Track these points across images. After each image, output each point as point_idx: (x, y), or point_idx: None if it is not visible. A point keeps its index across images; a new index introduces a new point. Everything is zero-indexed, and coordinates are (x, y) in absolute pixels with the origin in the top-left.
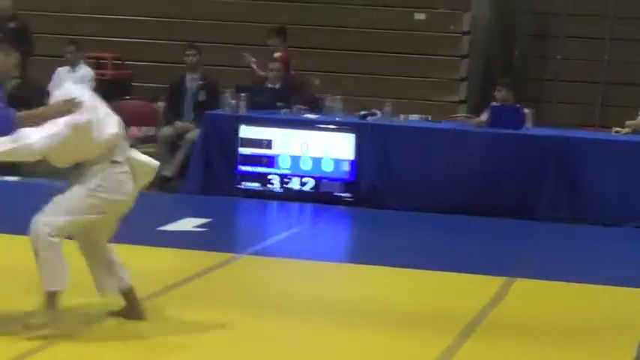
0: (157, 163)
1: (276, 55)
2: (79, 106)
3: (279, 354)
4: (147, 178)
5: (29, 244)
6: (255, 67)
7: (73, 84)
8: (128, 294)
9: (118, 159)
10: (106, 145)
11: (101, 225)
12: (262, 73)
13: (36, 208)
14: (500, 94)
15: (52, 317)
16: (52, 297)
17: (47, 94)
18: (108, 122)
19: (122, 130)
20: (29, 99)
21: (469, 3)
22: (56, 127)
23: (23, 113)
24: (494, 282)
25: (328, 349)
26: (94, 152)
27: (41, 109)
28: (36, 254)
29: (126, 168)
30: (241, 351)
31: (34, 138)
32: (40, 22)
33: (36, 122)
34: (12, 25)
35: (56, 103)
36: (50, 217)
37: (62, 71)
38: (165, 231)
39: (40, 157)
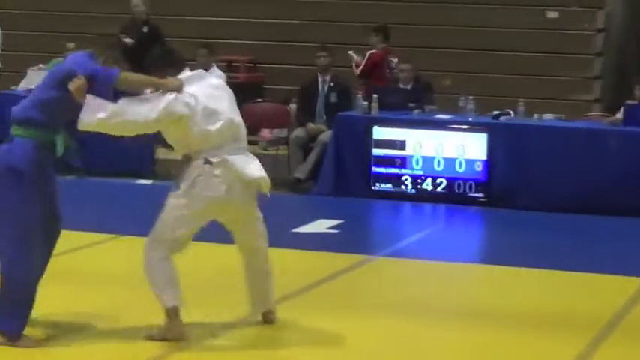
0: (259, 175)
1: (370, 52)
2: (180, 87)
3: (412, 356)
4: (251, 189)
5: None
6: (354, 65)
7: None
8: (268, 315)
9: (213, 160)
10: (202, 140)
11: (234, 229)
12: (358, 72)
13: None
14: None
15: (173, 330)
16: (172, 311)
17: None
18: (211, 119)
19: (228, 133)
20: None
21: (603, 0)
22: (150, 106)
23: (123, 75)
24: (631, 283)
25: (461, 351)
26: (192, 144)
27: (143, 77)
28: (146, 274)
29: (219, 171)
30: (371, 354)
31: (126, 116)
32: (173, 25)
33: (135, 88)
34: (144, 29)
35: (162, 80)
36: (156, 238)
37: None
38: (298, 233)
39: (137, 132)
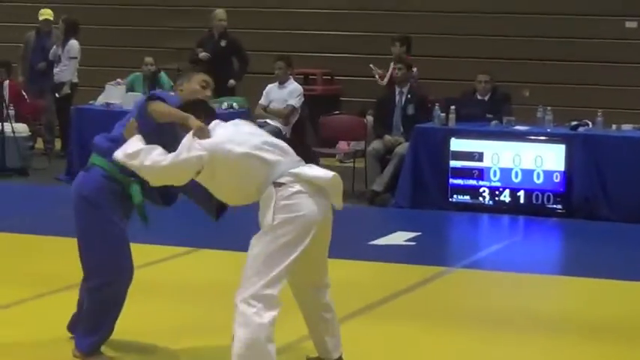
0: (331, 175)
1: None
2: (203, 130)
3: None
4: (334, 191)
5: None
6: (377, 77)
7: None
8: None
9: (282, 180)
10: (258, 169)
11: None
12: (382, 83)
13: None
14: None
15: None
16: None
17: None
18: (252, 147)
19: (276, 152)
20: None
21: None
22: (172, 156)
23: (152, 104)
24: None
25: None
26: (246, 185)
27: (172, 110)
28: (233, 338)
29: (297, 187)
30: None
31: (146, 162)
32: (250, 38)
33: (162, 119)
34: (222, 43)
35: (189, 118)
36: (243, 291)
37: (271, 88)
38: (376, 245)
39: (158, 184)
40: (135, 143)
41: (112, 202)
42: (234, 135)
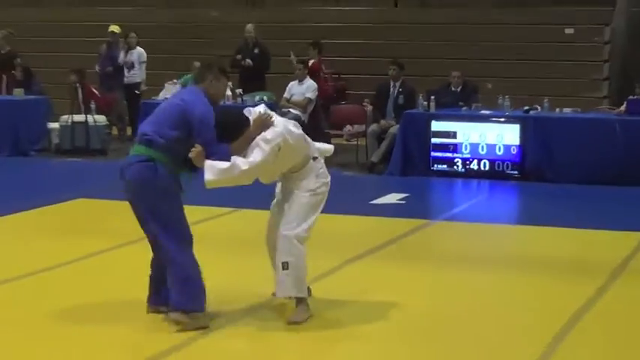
0: (332, 147)
1: (311, 62)
2: (270, 120)
3: (459, 293)
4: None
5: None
6: (294, 62)
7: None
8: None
9: (316, 155)
10: (304, 148)
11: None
12: (297, 67)
13: None
14: None
15: (306, 313)
16: (304, 300)
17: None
18: (297, 131)
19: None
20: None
21: (609, 18)
22: (258, 152)
23: (231, 145)
24: (633, 237)
25: (495, 289)
26: (297, 159)
27: (243, 137)
28: (285, 266)
29: (323, 160)
30: (428, 291)
31: (243, 166)
32: (276, 47)
33: (242, 149)
34: (255, 50)
35: (252, 123)
36: (297, 231)
37: (292, 84)
38: (374, 204)
39: (251, 181)
40: (215, 165)
41: (177, 185)
42: (285, 121)
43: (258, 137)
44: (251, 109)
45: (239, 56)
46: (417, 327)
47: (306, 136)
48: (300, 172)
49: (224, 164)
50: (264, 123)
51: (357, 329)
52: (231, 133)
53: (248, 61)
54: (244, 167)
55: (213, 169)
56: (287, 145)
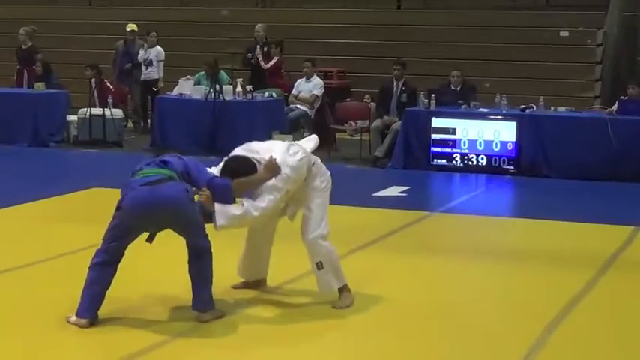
0: (315, 137)
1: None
2: (279, 171)
3: (462, 288)
4: None
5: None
6: (260, 58)
7: (281, 150)
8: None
9: (312, 160)
10: (305, 173)
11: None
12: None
13: None
14: (634, 90)
15: (349, 299)
16: (347, 286)
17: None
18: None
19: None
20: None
21: (601, 22)
22: (269, 199)
23: (234, 183)
24: (623, 230)
25: (493, 279)
26: (300, 184)
27: (249, 179)
28: (319, 266)
29: (316, 158)
30: (429, 287)
31: (255, 213)
32: (287, 46)
33: (244, 189)
34: (264, 49)
35: (260, 173)
36: (319, 231)
37: (300, 81)
38: (377, 196)
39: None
40: (228, 211)
41: None
42: (284, 154)
43: (269, 183)
44: (269, 146)
45: (249, 55)
46: (412, 315)
47: (303, 149)
48: (305, 182)
49: (236, 210)
50: (274, 169)
51: (354, 317)
52: (240, 178)
53: (252, 54)
54: (256, 214)
55: (225, 215)
56: (294, 186)
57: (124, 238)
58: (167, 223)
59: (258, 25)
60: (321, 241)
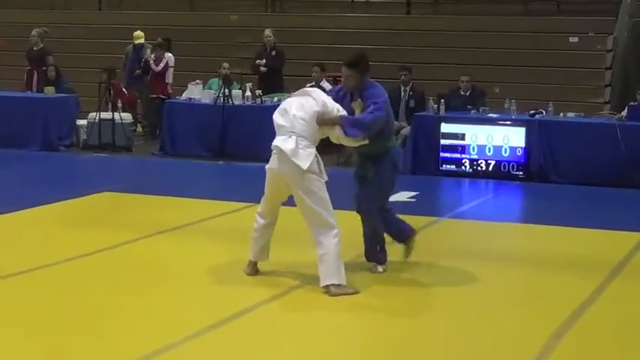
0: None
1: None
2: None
3: (471, 293)
4: None
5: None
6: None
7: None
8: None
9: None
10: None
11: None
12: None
13: None
14: None
15: (350, 288)
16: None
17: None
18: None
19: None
20: None
21: (611, 28)
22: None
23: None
24: (633, 236)
25: (506, 288)
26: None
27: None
28: (332, 256)
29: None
30: (437, 291)
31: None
32: (294, 51)
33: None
34: (273, 53)
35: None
36: (332, 219)
37: (309, 86)
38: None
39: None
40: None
41: None
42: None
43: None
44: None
45: (258, 61)
46: (420, 319)
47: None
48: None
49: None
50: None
51: (360, 318)
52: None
53: (261, 61)
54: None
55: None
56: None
57: None
58: None
59: (268, 29)
60: (331, 235)
